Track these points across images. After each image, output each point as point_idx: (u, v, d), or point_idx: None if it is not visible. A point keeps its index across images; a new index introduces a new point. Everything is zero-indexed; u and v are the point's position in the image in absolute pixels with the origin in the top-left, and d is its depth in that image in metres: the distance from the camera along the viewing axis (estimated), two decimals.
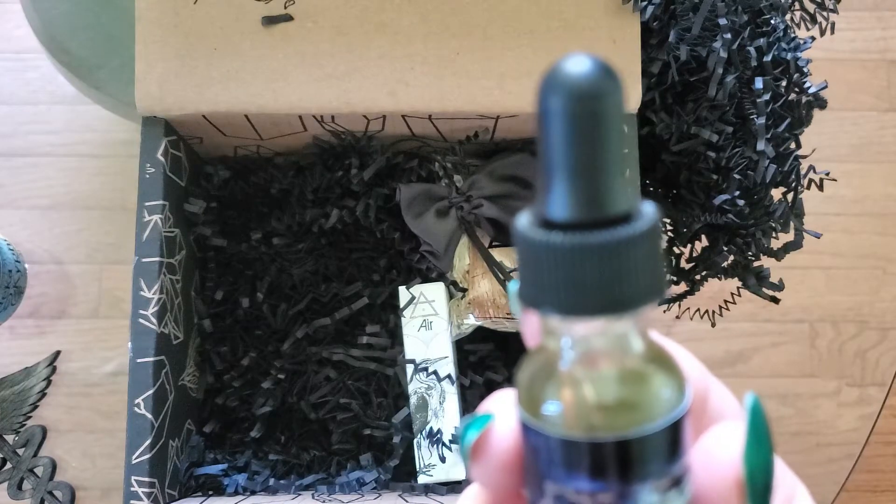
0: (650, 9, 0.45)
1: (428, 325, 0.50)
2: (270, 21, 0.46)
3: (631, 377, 0.17)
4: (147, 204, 0.46)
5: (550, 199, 0.16)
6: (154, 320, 0.45)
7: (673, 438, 0.17)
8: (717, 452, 0.17)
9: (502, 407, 0.19)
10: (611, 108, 0.15)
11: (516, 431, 0.18)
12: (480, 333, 0.51)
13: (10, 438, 0.59)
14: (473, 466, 0.19)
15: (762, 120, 0.46)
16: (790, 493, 0.19)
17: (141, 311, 0.45)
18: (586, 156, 0.15)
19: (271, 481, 0.49)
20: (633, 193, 0.16)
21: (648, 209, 0.16)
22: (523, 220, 0.17)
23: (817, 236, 0.50)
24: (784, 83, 0.48)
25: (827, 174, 0.49)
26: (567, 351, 0.17)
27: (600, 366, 0.17)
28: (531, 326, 0.20)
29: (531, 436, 0.17)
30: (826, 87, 0.49)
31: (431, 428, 0.49)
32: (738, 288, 0.52)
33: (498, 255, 0.51)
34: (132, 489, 0.43)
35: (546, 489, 0.17)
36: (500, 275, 0.50)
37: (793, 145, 0.48)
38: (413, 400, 0.50)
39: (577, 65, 0.15)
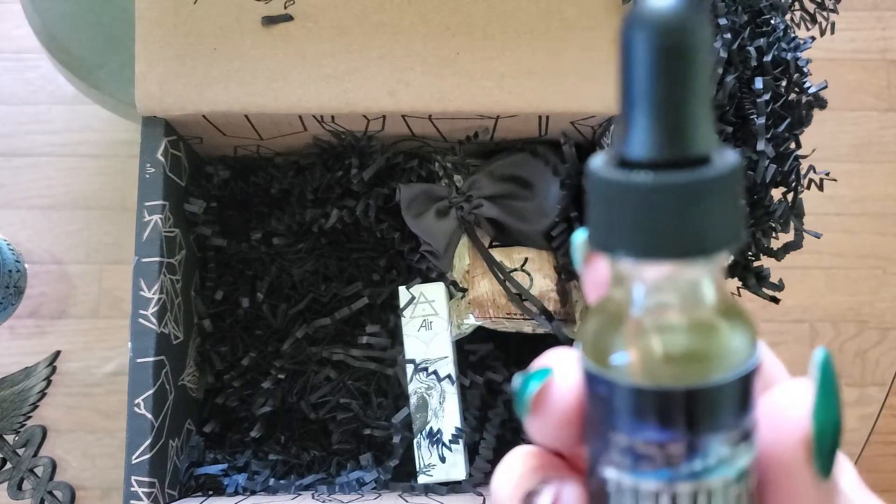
0: None
1: (428, 325, 0.50)
2: (270, 21, 0.46)
3: (705, 326, 0.17)
4: (147, 204, 0.46)
5: (630, 138, 0.16)
6: (154, 320, 0.45)
7: (744, 390, 0.16)
8: (785, 409, 0.17)
9: (561, 361, 0.18)
10: (697, 43, 0.15)
11: (578, 384, 0.18)
12: (480, 333, 0.51)
13: (10, 438, 0.59)
14: (532, 420, 0.18)
15: (762, 120, 0.46)
16: (840, 464, 0.18)
17: (141, 311, 0.45)
18: (671, 92, 0.15)
19: (271, 481, 0.49)
20: (713, 135, 0.16)
21: (730, 155, 0.16)
22: (597, 162, 0.16)
23: (817, 236, 0.50)
24: (784, 83, 0.48)
25: (827, 174, 0.49)
26: (638, 298, 0.16)
27: (672, 314, 0.16)
28: (594, 277, 0.19)
29: (599, 386, 0.17)
30: (826, 87, 0.49)
31: (431, 428, 0.49)
32: (738, 288, 0.52)
33: (498, 255, 0.51)
34: (132, 489, 0.43)
35: (613, 441, 0.17)
36: (500, 275, 0.50)
37: (793, 145, 0.48)
38: (413, 400, 0.50)
39: None
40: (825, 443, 0.16)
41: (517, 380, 0.19)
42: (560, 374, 0.18)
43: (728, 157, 0.16)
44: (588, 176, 0.16)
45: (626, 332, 0.17)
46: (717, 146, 0.16)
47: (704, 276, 0.16)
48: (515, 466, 0.19)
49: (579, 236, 0.20)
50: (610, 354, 0.17)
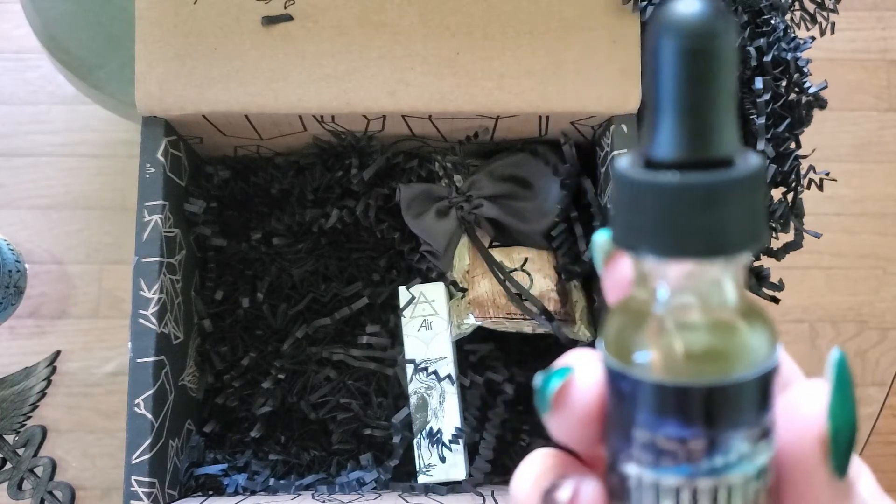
0: (650, 9, 0.45)
1: (428, 325, 0.50)
2: (270, 21, 0.46)
3: (725, 325, 0.17)
4: (147, 204, 0.46)
5: (657, 139, 0.16)
6: (154, 320, 0.45)
7: (764, 389, 0.17)
8: (801, 408, 0.17)
9: (582, 360, 0.19)
10: (723, 47, 0.16)
11: (599, 383, 0.18)
12: (480, 333, 0.51)
13: (10, 438, 0.59)
14: (553, 417, 0.19)
15: (762, 120, 0.46)
16: (857, 467, 0.18)
17: (141, 311, 0.45)
18: (697, 95, 0.16)
19: (271, 481, 0.49)
20: (737, 138, 0.16)
21: (753, 157, 0.16)
22: (623, 163, 0.17)
23: (817, 236, 0.50)
24: (784, 83, 0.48)
25: (827, 174, 0.49)
26: (661, 297, 0.17)
27: (695, 312, 0.17)
28: (615, 277, 0.20)
29: (622, 383, 0.17)
30: (826, 87, 0.49)
31: (431, 428, 0.49)
32: None
33: (498, 255, 0.51)
34: (132, 489, 0.43)
35: (635, 437, 0.17)
36: (500, 275, 0.50)
37: (793, 145, 0.48)
38: (413, 400, 0.50)
39: (691, 4, 0.16)
40: (841, 442, 0.17)
41: (538, 377, 0.19)
42: (581, 372, 0.18)
43: (751, 159, 0.16)
44: (614, 176, 0.17)
45: (649, 330, 0.17)
46: (741, 148, 0.16)
47: (726, 276, 0.17)
48: (535, 466, 0.19)
49: (601, 236, 0.20)
50: (633, 352, 0.17)
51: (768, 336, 0.17)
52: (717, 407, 0.16)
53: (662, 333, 0.17)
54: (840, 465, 0.17)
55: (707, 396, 0.16)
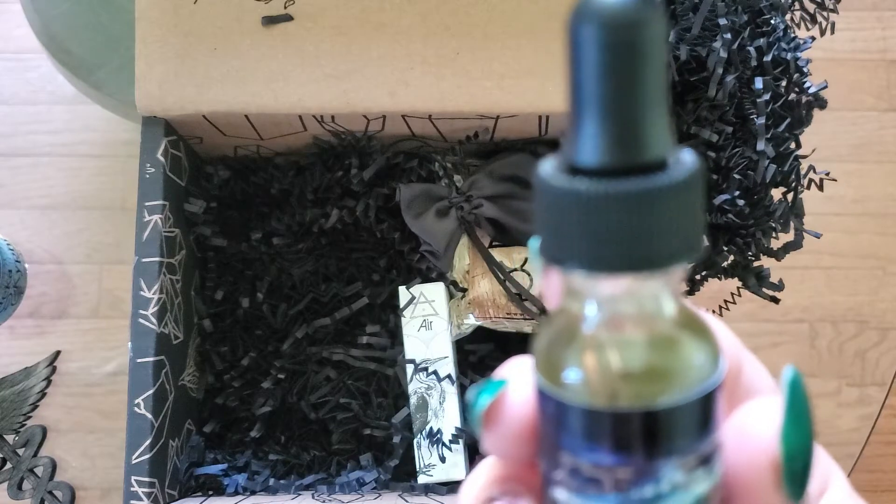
0: None
1: (428, 325, 0.50)
2: (270, 21, 0.46)
3: (660, 343, 0.15)
4: (147, 204, 0.46)
5: (579, 143, 0.15)
6: (154, 320, 0.45)
7: (703, 412, 0.15)
8: (751, 430, 0.16)
9: (518, 373, 0.17)
10: (649, 39, 0.14)
11: (532, 399, 0.17)
12: (480, 333, 0.51)
13: (10, 438, 0.59)
14: (485, 435, 0.17)
15: (762, 120, 0.46)
16: (825, 476, 0.17)
17: (141, 311, 0.45)
18: (620, 93, 0.14)
19: (271, 481, 0.49)
20: (670, 138, 0.14)
21: (687, 157, 0.15)
22: (546, 168, 0.15)
23: (817, 236, 0.50)
24: (784, 83, 0.48)
25: (827, 174, 0.49)
26: (591, 313, 0.15)
27: (627, 330, 0.15)
28: (552, 286, 0.18)
29: (548, 404, 0.16)
30: (826, 87, 0.49)
31: (431, 428, 0.49)
32: (738, 288, 0.52)
33: (498, 255, 0.51)
34: (132, 489, 0.43)
35: (562, 461, 0.16)
36: (500, 275, 0.50)
37: (793, 145, 0.48)
38: (413, 400, 0.50)
39: None
40: (795, 466, 0.15)
41: (471, 391, 0.18)
42: (515, 386, 0.17)
43: (686, 162, 0.14)
44: (536, 183, 0.15)
45: (578, 348, 0.16)
46: (674, 149, 0.15)
47: (661, 290, 0.15)
48: (481, 474, 0.18)
49: (534, 243, 0.19)
50: (562, 371, 0.16)
51: (709, 352, 0.16)
52: (648, 434, 0.15)
53: (592, 352, 0.15)
54: (795, 490, 0.16)
55: (636, 423, 0.15)
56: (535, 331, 0.17)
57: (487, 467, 0.18)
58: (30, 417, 0.59)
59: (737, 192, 0.47)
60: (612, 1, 0.14)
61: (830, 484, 0.17)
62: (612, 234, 0.14)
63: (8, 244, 0.60)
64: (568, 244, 0.15)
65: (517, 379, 0.17)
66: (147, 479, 0.43)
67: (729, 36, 0.44)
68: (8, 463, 0.58)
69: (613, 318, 0.15)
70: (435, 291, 0.51)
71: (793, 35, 0.49)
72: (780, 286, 0.50)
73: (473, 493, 0.18)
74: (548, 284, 0.18)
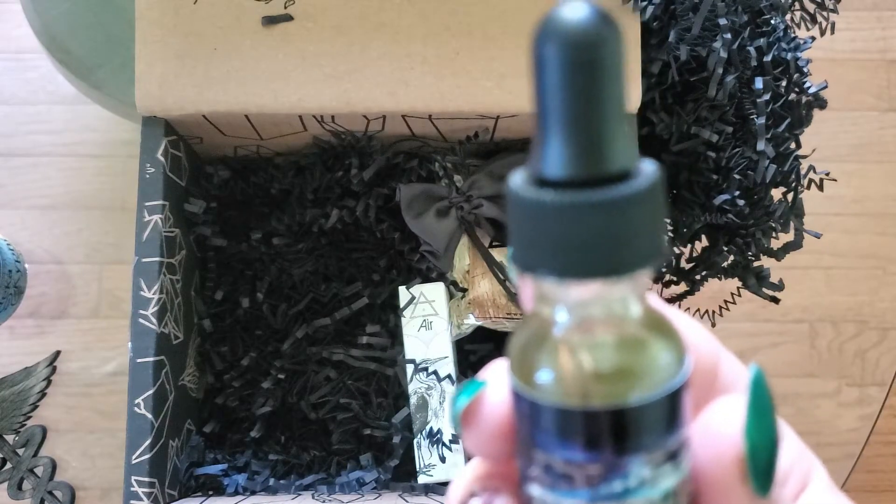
0: (650, 9, 0.45)
1: (428, 325, 0.50)
2: (270, 21, 0.46)
3: (627, 344, 0.16)
4: (147, 204, 0.46)
5: (545, 156, 0.15)
6: (154, 320, 0.45)
7: (669, 410, 0.16)
8: (716, 427, 0.17)
9: (496, 374, 0.18)
10: (609, 56, 0.15)
11: (509, 399, 0.17)
12: (480, 333, 0.51)
13: (10, 438, 0.59)
14: (464, 434, 0.18)
15: (762, 120, 0.46)
16: (806, 472, 0.18)
17: (141, 311, 0.45)
18: (583, 109, 0.15)
19: (271, 481, 0.49)
20: (632, 150, 0.15)
21: (649, 167, 0.15)
22: (516, 179, 0.16)
23: (817, 236, 0.50)
24: (784, 83, 0.48)
25: (827, 174, 0.49)
26: (561, 317, 0.16)
27: (596, 332, 0.16)
28: (527, 292, 0.19)
29: (522, 404, 0.17)
30: (826, 87, 0.49)
31: (431, 428, 0.49)
32: (738, 288, 0.52)
33: (498, 255, 0.51)
34: (132, 489, 0.43)
35: (536, 458, 0.17)
36: (500, 275, 0.50)
37: (793, 145, 0.48)
38: (413, 400, 0.50)
39: (574, 11, 0.14)
40: (760, 461, 0.16)
41: (453, 391, 0.19)
42: (493, 387, 0.18)
43: (647, 172, 0.15)
44: (507, 195, 0.16)
45: (549, 350, 0.16)
46: (636, 159, 0.16)
47: (628, 294, 0.16)
48: (467, 471, 0.19)
49: (510, 251, 0.20)
50: (534, 372, 0.16)
51: (675, 352, 0.16)
52: (616, 432, 0.16)
53: (562, 354, 0.16)
54: (761, 484, 0.16)
55: (606, 421, 0.16)
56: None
57: (472, 465, 0.19)
58: (30, 417, 0.59)
59: (737, 192, 0.47)
60: (572, 21, 0.14)
61: (811, 480, 0.18)
62: (579, 243, 0.15)
63: (8, 244, 0.60)
64: (538, 253, 0.15)
65: (495, 380, 0.18)
66: (147, 479, 0.43)
67: (729, 36, 0.44)
68: (8, 463, 0.58)
69: (583, 322, 0.16)
70: (435, 291, 0.51)
71: (793, 35, 0.49)
72: (780, 286, 0.50)
73: (457, 489, 0.19)
74: (523, 290, 0.19)
